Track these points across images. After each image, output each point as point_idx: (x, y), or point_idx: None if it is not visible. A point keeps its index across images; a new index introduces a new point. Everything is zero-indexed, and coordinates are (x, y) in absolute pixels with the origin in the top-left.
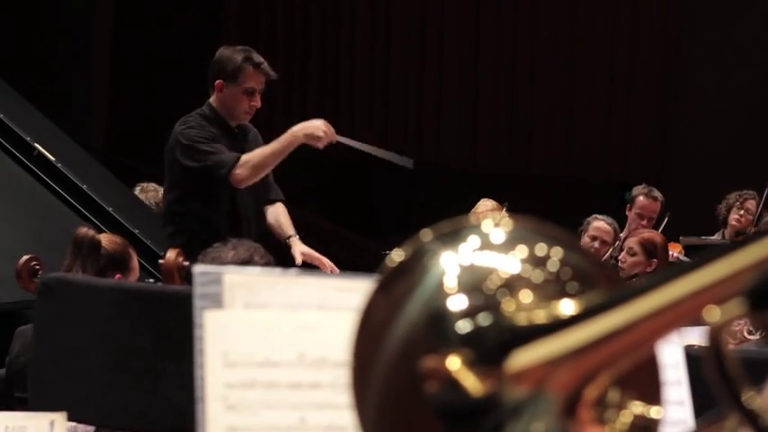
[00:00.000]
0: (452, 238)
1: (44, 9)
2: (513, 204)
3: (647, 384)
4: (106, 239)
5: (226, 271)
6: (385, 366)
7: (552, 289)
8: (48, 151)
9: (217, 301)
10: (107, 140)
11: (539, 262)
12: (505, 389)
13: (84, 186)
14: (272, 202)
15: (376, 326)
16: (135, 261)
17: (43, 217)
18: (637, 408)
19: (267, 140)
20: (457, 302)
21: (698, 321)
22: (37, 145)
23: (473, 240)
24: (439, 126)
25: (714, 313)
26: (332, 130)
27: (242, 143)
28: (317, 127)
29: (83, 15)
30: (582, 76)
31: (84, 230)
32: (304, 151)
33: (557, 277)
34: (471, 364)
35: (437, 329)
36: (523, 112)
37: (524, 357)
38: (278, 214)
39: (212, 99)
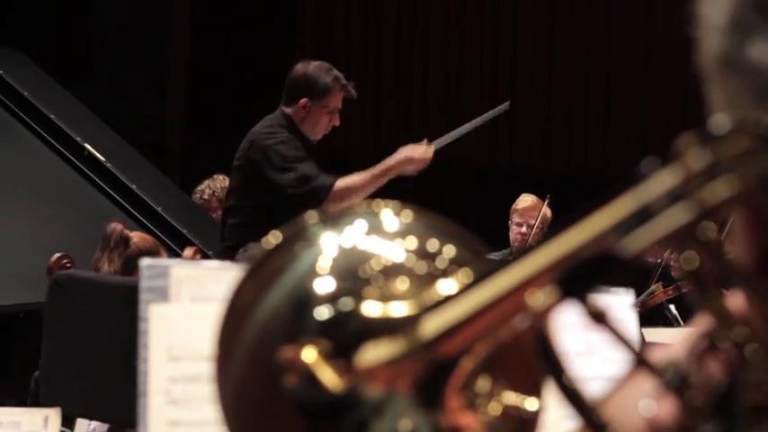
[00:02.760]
0: (339, 220)
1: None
2: (560, 202)
3: (522, 375)
4: (137, 237)
5: (172, 264)
6: (243, 357)
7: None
8: (98, 151)
9: (163, 295)
10: (183, 142)
11: (427, 256)
12: (364, 385)
13: (134, 186)
14: None
15: (240, 312)
16: None
17: (92, 217)
18: (509, 398)
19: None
20: (324, 285)
21: None
22: (87, 145)
23: (361, 225)
24: (513, 128)
25: (537, 298)
26: (422, 148)
27: (315, 156)
28: (409, 155)
29: (159, 16)
30: (657, 79)
31: (114, 225)
32: None
33: (442, 273)
34: (328, 356)
35: (298, 316)
36: (597, 113)
37: (371, 354)
38: None
39: (291, 111)
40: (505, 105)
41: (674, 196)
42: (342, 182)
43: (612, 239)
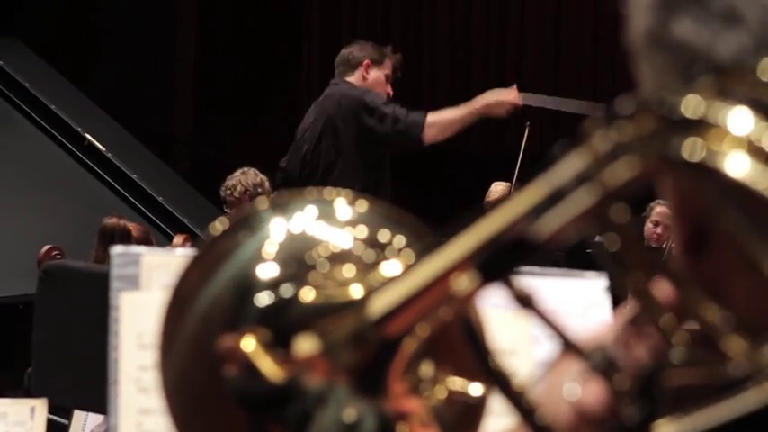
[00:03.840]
0: (290, 206)
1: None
2: None
3: (467, 360)
4: (135, 230)
5: (144, 252)
6: (185, 345)
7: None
8: (98, 141)
9: (134, 283)
10: (192, 131)
11: (376, 245)
12: (304, 375)
13: (134, 176)
14: None
15: (183, 298)
16: None
17: (93, 207)
18: (454, 383)
19: None
20: (268, 271)
21: None
22: (87, 135)
23: (311, 211)
24: (522, 117)
25: (461, 282)
26: (513, 95)
27: None
28: (500, 99)
29: (167, 5)
30: None
31: (114, 220)
32: None
33: None
34: (267, 345)
35: (240, 302)
36: (604, 96)
37: (311, 343)
38: None
39: (352, 79)
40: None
41: (581, 179)
42: (433, 116)
43: (526, 224)
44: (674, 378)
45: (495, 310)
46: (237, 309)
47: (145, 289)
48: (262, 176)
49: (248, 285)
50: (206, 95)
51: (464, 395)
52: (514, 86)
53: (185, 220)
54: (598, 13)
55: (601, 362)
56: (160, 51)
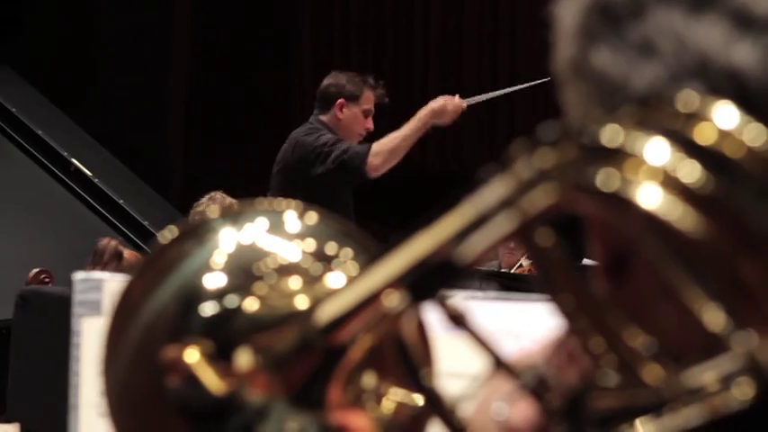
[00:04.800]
0: (240, 217)
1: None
2: None
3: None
4: (129, 254)
5: (106, 278)
6: (129, 355)
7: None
8: (85, 167)
9: (96, 309)
10: (185, 158)
11: (323, 258)
12: (246, 388)
13: (121, 201)
14: None
15: (128, 308)
16: None
17: (80, 232)
18: (396, 395)
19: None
20: (214, 281)
21: None
22: (74, 160)
23: (262, 222)
24: (514, 114)
25: (392, 300)
26: (455, 100)
27: None
28: (441, 104)
29: (160, 34)
30: None
31: (107, 240)
32: None
33: None
34: (210, 357)
35: (185, 313)
36: None
37: (252, 356)
38: None
39: (326, 118)
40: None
41: (504, 204)
42: (376, 146)
43: (452, 246)
44: (600, 399)
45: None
46: (182, 319)
47: (107, 315)
48: (230, 200)
49: (194, 295)
50: (198, 121)
51: (407, 407)
52: (456, 96)
53: (169, 226)
54: None
55: (531, 381)
56: (153, 77)
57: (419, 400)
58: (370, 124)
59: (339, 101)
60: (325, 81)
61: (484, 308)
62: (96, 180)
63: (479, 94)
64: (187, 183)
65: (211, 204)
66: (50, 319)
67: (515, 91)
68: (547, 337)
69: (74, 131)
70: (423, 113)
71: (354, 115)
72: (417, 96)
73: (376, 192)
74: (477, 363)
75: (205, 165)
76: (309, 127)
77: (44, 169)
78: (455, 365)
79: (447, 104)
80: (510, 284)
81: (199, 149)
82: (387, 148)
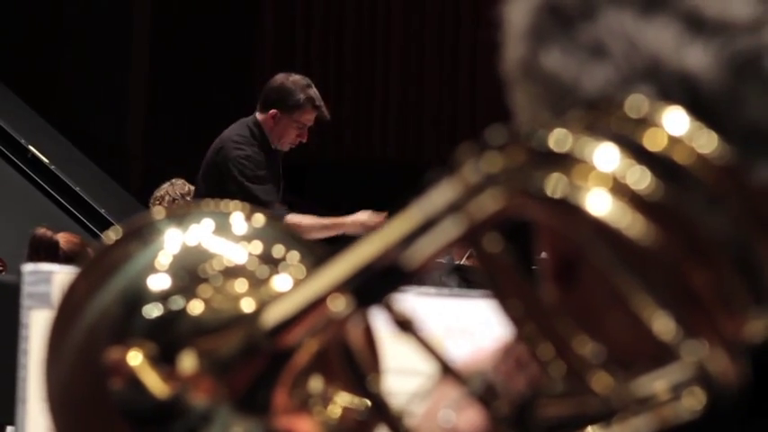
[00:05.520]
0: (186, 218)
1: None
2: None
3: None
4: (64, 239)
5: (55, 270)
6: (71, 357)
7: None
8: (42, 154)
9: (45, 301)
10: (144, 145)
11: (269, 261)
12: (189, 392)
13: (78, 189)
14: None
15: (71, 309)
16: None
17: (36, 219)
18: (343, 399)
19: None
20: (159, 283)
21: None
22: (31, 147)
23: (208, 224)
24: (473, 130)
25: (338, 304)
26: (380, 218)
27: (278, 166)
28: (364, 219)
29: (120, 17)
30: None
31: (42, 231)
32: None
33: None
34: (154, 359)
35: (129, 314)
36: None
37: (195, 360)
38: None
39: (262, 119)
40: None
41: (451, 209)
42: (292, 218)
43: (399, 251)
44: (549, 407)
45: None
46: (126, 321)
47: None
48: (190, 186)
49: (138, 297)
50: (159, 109)
51: (353, 411)
52: (385, 214)
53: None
54: None
55: (479, 387)
56: (113, 65)
57: (366, 405)
58: (303, 137)
59: (273, 111)
60: (272, 81)
61: (436, 305)
62: (53, 167)
63: None
64: (146, 171)
65: (170, 189)
66: (1, 309)
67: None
68: (496, 340)
69: (31, 118)
70: (346, 221)
71: (287, 127)
72: (379, 87)
73: (328, 178)
74: (424, 361)
75: (164, 153)
76: (237, 135)
77: (0, 156)
78: (403, 363)
79: (370, 222)
80: (470, 278)
81: (158, 138)
82: (298, 227)
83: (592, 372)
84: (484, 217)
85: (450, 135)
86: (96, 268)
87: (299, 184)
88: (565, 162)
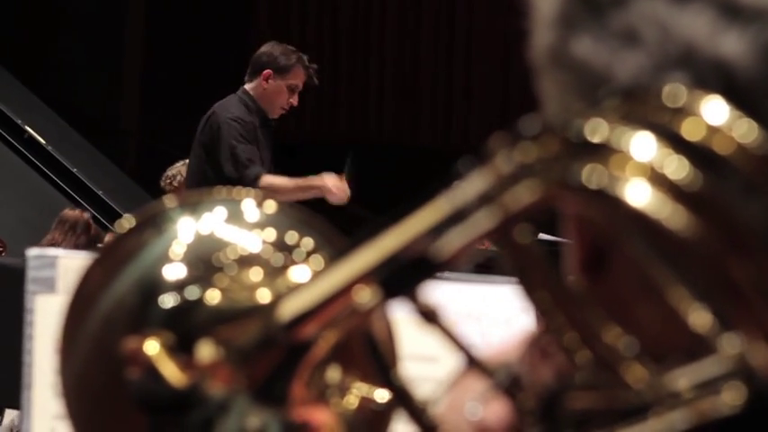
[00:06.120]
0: (199, 206)
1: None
2: None
3: (369, 363)
4: (94, 231)
5: (60, 255)
6: (86, 347)
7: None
8: (39, 134)
9: (50, 286)
10: (139, 124)
11: (284, 248)
12: (207, 381)
13: (75, 170)
14: None
15: (85, 299)
16: None
17: (33, 200)
18: (361, 389)
19: (295, 132)
20: (174, 272)
21: None
22: (27, 128)
23: (221, 212)
24: (467, 127)
25: (363, 295)
26: (346, 191)
27: (271, 137)
28: (333, 186)
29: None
30: None
31: (78, 212)
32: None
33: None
34: (171, 349)
35: (145, 304)
36: None
37: (214, 349)
38: None
39: (251, 87)
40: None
41: (484, 199)
42: (267, 179)
43: (428, 242)
44: (577, 400)
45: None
46: (142, 310)
47: (61, 292)
48: None
49: (154, 286)
50: (153, 88)
51: (371, 401)
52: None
53: (126, 215)
54: None
55: (505, 380)
56: (108, 44)
57: (384, 395)
58: (294, 100)
59: (266, 71)
60: (261, 49)
61: (444, 290)
62: (50, 148)
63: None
64: (142, 152)
65: (183, 169)
66: (1, 291)
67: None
68: (518, 333)
69: (28, 98)
70: (315, 182)
71: (279, 88)
72: (374, 66)
73: (323, 158)
74: (434, 345)
75: (160, 134)
76: (227, 103)
77: None
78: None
79: (333, 187)
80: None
81: (154, 119)
82: (272, 189)
83: (625, 364)
84: (519, 208)
85: (446, 117)
86: (110, 257)
87: (293, 165)
88: (601, 152)
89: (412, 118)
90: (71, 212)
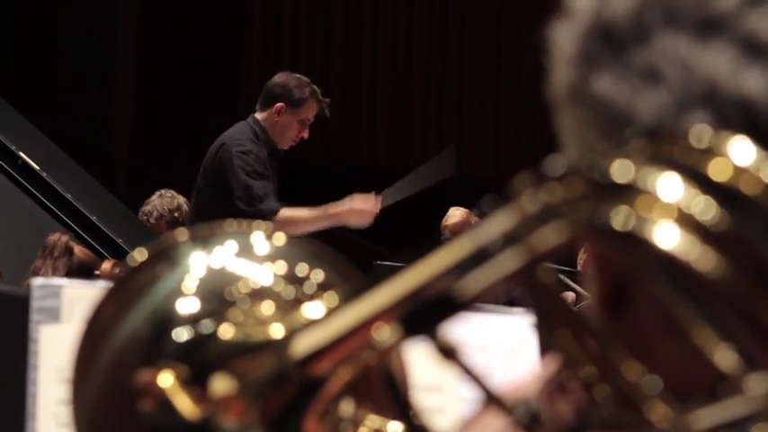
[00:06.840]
0: (210, 240)
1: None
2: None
3: (383, 397)
4: (78, 249)
5: (64, 284)
6: (99, 379)
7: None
8: (32, 160)
9: (54, 316)
10: (131, 151)
11: (295, 281)
12: (220, 414)
13: (69, 196)
14: None
15: (98, 331)
16: None
17: (27, 227)
18: (373, 422)
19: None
20: (187, 306)
21: None
22: (21, 154)
23: (231, 246)
24: (460, 135)
25: (383, 333)
26: (372, 201)
27: (278, 167)
28: (359, 206)
29: (106, 18)
30: None
31: (58, 234)
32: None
33: (310, 299)
34: (185, 381)
35: (158, 337)
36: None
37: (228, 382)
38: None
39: (262, 117)
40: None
41: (509, 239)
42: (286, 212)
43: (450, 280)
44: None
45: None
46: (155, 343)
47: (65, 322)
48: (179, 199)
49: (167, 320)
50: (146, 115)
51: None
52: (373, 194)
53: (119, 241)
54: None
55: (524, 416)
56: (101, 71)
57: (397, 428)
58: (305, 133)
59: (279, 104)
60: (275, 78)
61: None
62: (44, 174)
63: (395, 186)
64: (134, 177)
65: (158, 203)
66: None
67: (430, 184)
68: (529, 366)
69: (21, 124)
70: (338, 209)
71: (290, 122)
72: (365, 92)
73: (316, 183)
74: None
75: (152, 159)
76: (239, 133)
77: None
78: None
79: (363, 207)
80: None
81: (146, 144)
82: (292, 222)
83: (648, 402)
84: (546, 249)
85: (439, 140)
86: (123, 290)
87: (287, 189)
88: (628, 193)
89: (404, 141)
90: (51, 237)
